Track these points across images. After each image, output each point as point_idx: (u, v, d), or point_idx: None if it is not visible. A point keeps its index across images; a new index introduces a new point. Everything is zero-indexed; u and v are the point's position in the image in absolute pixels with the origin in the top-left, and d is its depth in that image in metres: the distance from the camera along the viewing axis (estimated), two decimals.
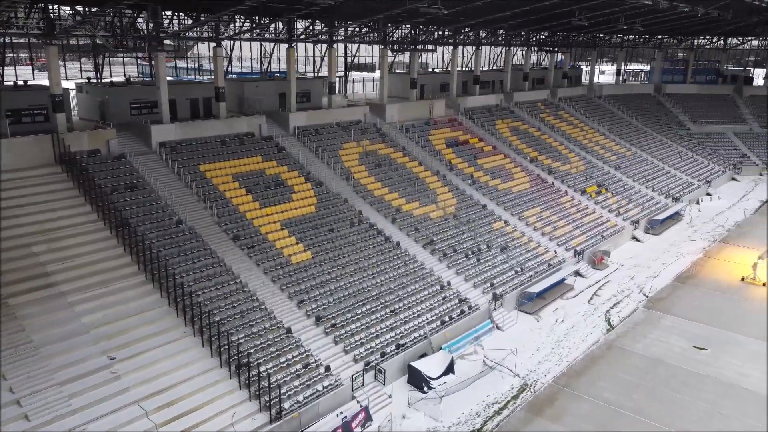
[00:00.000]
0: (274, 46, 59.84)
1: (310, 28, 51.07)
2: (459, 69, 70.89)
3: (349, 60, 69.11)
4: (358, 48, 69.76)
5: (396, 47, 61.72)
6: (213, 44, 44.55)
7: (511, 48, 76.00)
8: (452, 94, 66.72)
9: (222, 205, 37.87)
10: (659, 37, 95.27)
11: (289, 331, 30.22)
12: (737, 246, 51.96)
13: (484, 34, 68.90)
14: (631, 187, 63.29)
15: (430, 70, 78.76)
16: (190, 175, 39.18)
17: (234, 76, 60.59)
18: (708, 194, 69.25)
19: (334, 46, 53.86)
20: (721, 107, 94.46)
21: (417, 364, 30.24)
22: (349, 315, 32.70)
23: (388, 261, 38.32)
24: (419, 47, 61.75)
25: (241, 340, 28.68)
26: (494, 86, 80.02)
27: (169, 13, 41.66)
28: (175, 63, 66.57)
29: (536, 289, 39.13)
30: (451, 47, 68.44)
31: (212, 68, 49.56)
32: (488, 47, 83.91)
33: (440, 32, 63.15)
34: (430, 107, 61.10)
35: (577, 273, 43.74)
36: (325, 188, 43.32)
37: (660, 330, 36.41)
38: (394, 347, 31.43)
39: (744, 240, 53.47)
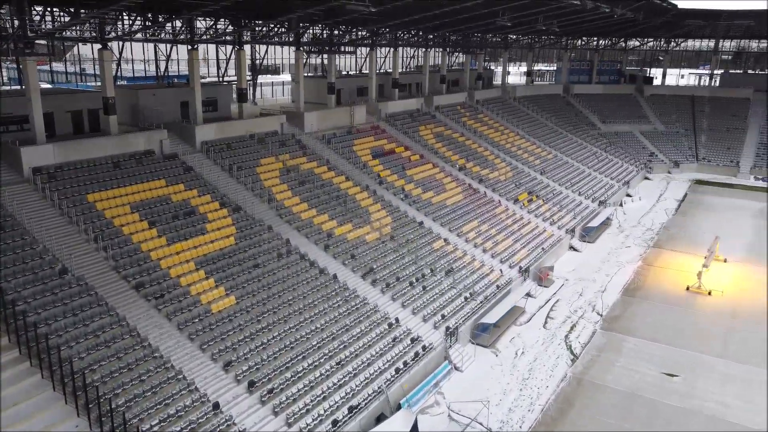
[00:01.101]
0: (171, 48, 52.32)
1: (215, 27, 44.45)
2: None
3: (258, 62, 62.53)
4: (267, 49, 63.38)
5: (311, 49, 56.09)
6: (98, 46, 36.96)
7: (428, 49, 72.48)
8: (372, 99, 62.10)
9: (119, 244, 30.82)
10: (566, 38, 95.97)
11: (216, 406, 24.13)
12: (671, 251, 51.20)
13: (403, 35, 64.86)
14: (559, 192, 61.66)
15: (344, 73, 73.68)
16: (75, 207, 31.72)
17: (125, 82, 52.48)
18: (628, 195, 69.35)
19: (243, 47, 47.49)
20: (626, 107, 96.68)
21: None
22: (288, 374, 27.06)
23: (327, 299, 32.94)
24: (337, 49, 56.54)
25: (156, 429, 22.30)
26: (411, 89, 76.42)
27: (40, 7, 33.81)
28: (51, 66, 57.00)
29: (491, 318, 35.30)
30: (368, 48, 63.89)
31: (98, 73, 41.70)
32: (402, 49, 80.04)
33: (358, 33, 58.29)
34: (351, 114, 56.09)
35: (528, 294, 40.47)
36: (244, 214, 37.15)
37: (625, 356, 33.70)
38: (346, 411, 26.19)
39: (675, 244, 52.92)
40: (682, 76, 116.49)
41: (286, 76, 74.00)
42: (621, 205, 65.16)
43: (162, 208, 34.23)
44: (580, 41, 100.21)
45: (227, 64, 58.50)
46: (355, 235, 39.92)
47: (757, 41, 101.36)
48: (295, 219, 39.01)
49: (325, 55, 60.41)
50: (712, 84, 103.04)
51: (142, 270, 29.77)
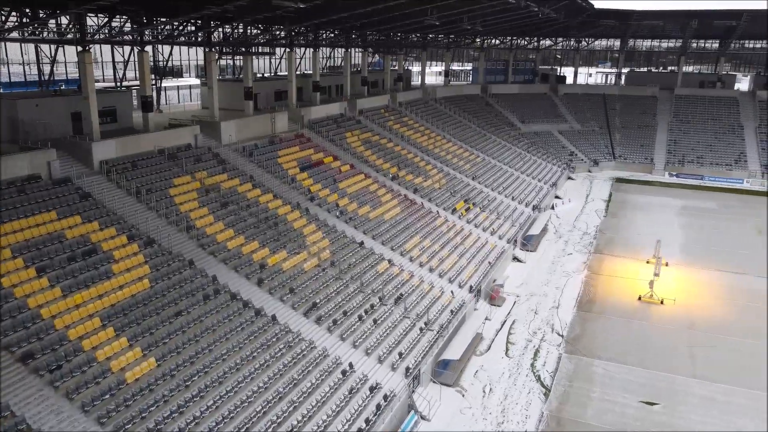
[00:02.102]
0: (57, 48, 44.64)
1: (110, 25, 37.83)
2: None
3: (162, 64, 55.48)
4: (171, 50, 56.46)
5: (224, 49, 50.08)
6: None
7: (348, 50, 68.05)
8: (292, 104, 56.87)
9: None
10: (483, 38, 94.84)
11: None
12: (612, 256, 50.02)
13: (323, 35, 60.08)
14: (493, 198, 59.34)
15: (259, 75, 67.77)
16: None
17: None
18: (558, 197, 68.45)
19: (146, 48, 40.98)
20: (543, 106, 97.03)
21: None
22: None
23: (267, 347, 27.82)
24: (253, 50, 50.91)
25: None
26: (331, 92, 71.77)
27: None
28: None
29: (452, 353, 31.60)
30: (285, 49, 58.71)
31: None
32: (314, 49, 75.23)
33: (275, 32, 52.93)
34: (272, 122, 50.69)
35: (486, 318, 37.17)
36: (159, 248, 31.14)
37: (598, 384, 31.11)
38: None
39: (614, 248, 51.89)
40: (590, 75, 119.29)
41: (192, 80, 67.02)
42: (553, 208, 63.99)
43: (53, 249, 27.63)
44: (496, 41, 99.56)
45: (126, 66, 51.21)
46: (292, 263, 34.88)
47: (665, 41, 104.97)
48: (220, 249, 33.40)
49: (239, 57, 54.72)
50: (620, 83, 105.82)
51: (30, 334, 23.33)
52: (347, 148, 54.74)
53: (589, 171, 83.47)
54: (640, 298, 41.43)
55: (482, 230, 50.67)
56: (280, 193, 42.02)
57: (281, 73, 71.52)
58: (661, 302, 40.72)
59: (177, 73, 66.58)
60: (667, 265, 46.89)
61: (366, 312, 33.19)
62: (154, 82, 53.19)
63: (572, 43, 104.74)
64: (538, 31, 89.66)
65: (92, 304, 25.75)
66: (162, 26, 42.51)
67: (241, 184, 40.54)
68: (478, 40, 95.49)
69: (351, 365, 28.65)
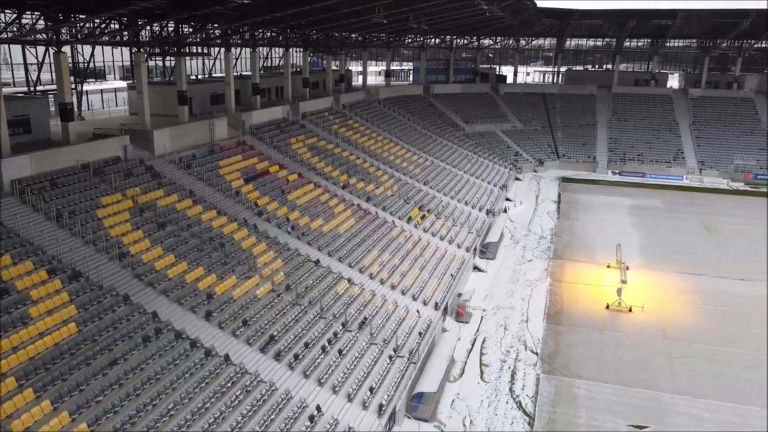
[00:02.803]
0: None
1: (20, 23, 32.78)
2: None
3: (83, 65, 49.88)
4: (93, 50, 50.96)
5: (154, 50, 45.36)
6: None
7: (288, 49, 64.21)
8: (231, 108, 52.60)
9: None
10: (424, 37, 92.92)
11: None
12: (572, 261, 48.76)
13: (262, 34, 56.07)
14: (446, 204, 57.14)
15: (193, 77, 62.87)
16: None
17: None
18: (509, 200, 67.11)
19: (63, 48, 35.99)
20: (485, 106, 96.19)
21: None
22: None
23: (221, 394, 24.08)
24: (187, 50, 46.43)
25: None
26: (270, 94, 67.73)
27: None
28: None
29: (428, 385, 28.73)
30: (221, 49, 54.37)
31: None
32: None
33: (209, 31, 48.63)
34: (210, 129, 46.37)
35: (457, 339, 34.62)
36: (86, 283, 26.71)
37: (582, 407, 29.15)
38: None
39: (573, 253, 50.71)
40: (528, 74, 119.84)
41: (117, 83, 61.39)
42: (505, 211, 62.49)
43: None
44: (437, 40, 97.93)
45: (40, 69, 45.57)
46: (243, 290, 31.10)
47: (599, 40, 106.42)
48: (159, 279, 29.22)
49: (170, 58, 50.02)
50: (559, 82, 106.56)
51: None
52: (293, 156, 51.05)
53: (535, 171, 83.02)
54: (608, 307, 40.06)
55: (440, 239, 48.25)
56: (224, 208, 38.00)
57: (216, 75, 66.90)
58: (629, 310, 39.50)
59: (100, 75, 60.75)
60: (628, 269, 45.93)
61: (329, 341, 29.87)
62: (74, 85, 47.70)
63: (511, 42, 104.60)
64: (479, 30, 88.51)
65: (5, 360, 21.26)
66: (81, 24, 37.61)
67: (179, 200, 36.28)
68: (419, 39, 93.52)
69: (318, 408, 25.30)
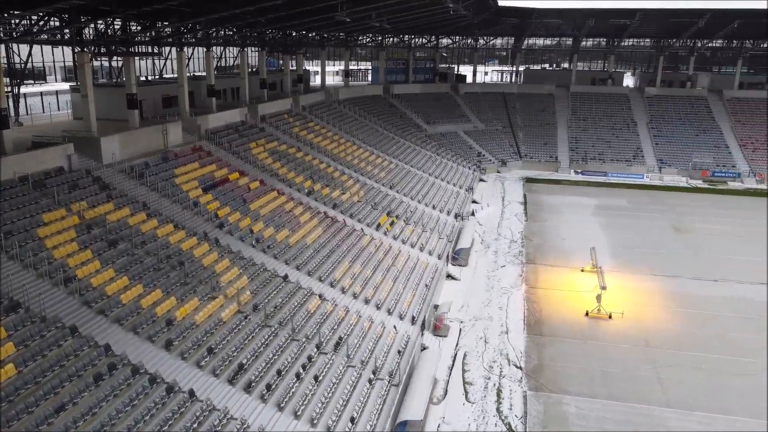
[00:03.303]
0: None
1: None
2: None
3: (20, 66, 45.69)
4: (31, 48, 46.81)
5: (99, 49, 41.81)
6: None
7: (245, 49, 61.15)
8: (185, 111, 49.34)
9: None
10: (382, 36, 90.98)
11: None
12: (546, 266, 47.60)
13: (217, 32, 52.93)
14: (414, 208, 55.30)
15: (143, 79, 59.08)
16: None
17: None
18: (475, 202, 65.78)
19: None
20: (445, 106, 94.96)
21: None
22: None
23: None
24: (135, 49, 43.04)
25: None
26: (226, 96, 64.51)
27: None
28: None
29: (412, 412, 26.61)
30: (174, 48, 51.03)
31: None
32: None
33: (161, 29, 45.34)
34: (164, 134, 43.14)
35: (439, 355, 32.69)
36: (27, 314, 23.51)
37: (574, 426, 27.67)
38: None
39: (545, 256, 49.61)
40: (486, 74, 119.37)
41: (59, 84, 57.05)
42: (473, 214, 61.06)
43: None
44: (395, 39, 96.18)
45: None
46: (206, 313, 28.35)
47: (555, 39, 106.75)
48: (112, 305, 26.20)
49: (118, 58, 46.48)
50: (518, 81, 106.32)
51: None
52: (253, 161, 48.19)
53: (498, 171, 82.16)
54: (587, 314, 38.91)
55: (411, 246, 46.34)
56: (182, 221, 35.03)
57: (168, 76, 63.21)
58: (609, 317, 38.45)
59: (40, 76, 56.22)
60: (602, 272, 45.04)
61: (304, 367, 27.46)
62: (9, 88, 43.57)
63: (469, 41, 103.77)
64: (440, 29, 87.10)
65: None
66: (17, 20, 33.97)
67: (132, 214, 33.13)
68: (378, 38, 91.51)
69: None
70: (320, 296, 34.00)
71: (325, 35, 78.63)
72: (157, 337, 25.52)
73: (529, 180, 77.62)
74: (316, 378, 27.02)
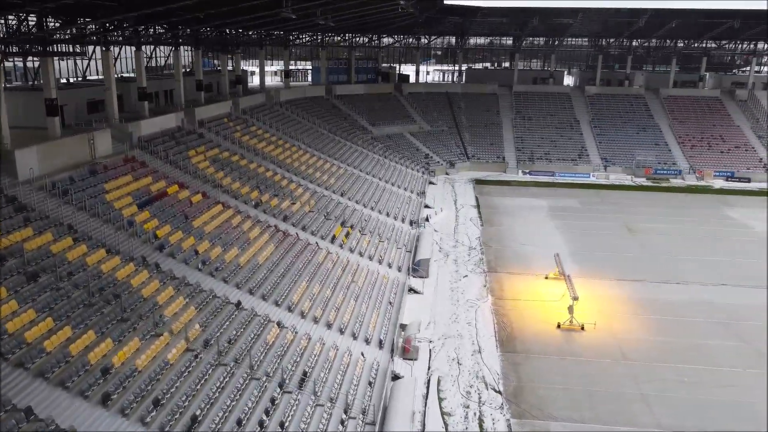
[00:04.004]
0: None
1: None
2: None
3: None
4: None
5: (13, 48, 36.62)
6: None
7: (178, 48, 56.45)
8: (115, 117, 44.50)
9: None
10: (322, 35, 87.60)
11: None
12: (508, 274, 45.84)
13: (148, 30, 48.22)
14: (368, 216, 52.42)
15: (64, 81, 53.38)
16: None
17: None
18: (428, 206, 63.55)
19: None
20: (389, 107, 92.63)
21: None
22: None
23: None
24: (55, 48, 38.05)
25: None
26: (159, 99, 59.52)
27: None
28: None
29: None
30: (99, 47, 46.11)
31: None
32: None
33: (84, 26, 40.47)
34: (90, 144, 38.38)
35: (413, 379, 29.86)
36: None
37: None
38: None
39: (506, 264, 47.84)
40: (428, 73, 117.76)
41: None
42: (427, 220, 58.70)
43: None
44: (337, 38, 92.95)
45: None
46: (149, 356, 24.40)
47: (497, 38, 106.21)
48: (33, 355, 21.90)
49: (33, 58, 41.28)
50: (460, 80, 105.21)
51: None
52: (194, 171, 43.97)
53: (447, 173, 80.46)
54: (559, 326, 37.17)
55: (369, 259, 43.44)
56: (115, 245, 30.71)
57: (93, 78, 57.65)
58: (582, 328, 36.85)
59: None
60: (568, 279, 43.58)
61: (267, 412, 24.02)
62: None
63: (411, 41, 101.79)
64: (383, 27, 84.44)
65: None
66: None
67: (55, 239, 28.62)
68: (318, 37, 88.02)
69: None
70: (279, 324, 30.53)
71: (264, 34, 74.47)
72: (91, 392, 21.46)
73: (478, 182, 76.25)
74: (282, 425, 23.63)
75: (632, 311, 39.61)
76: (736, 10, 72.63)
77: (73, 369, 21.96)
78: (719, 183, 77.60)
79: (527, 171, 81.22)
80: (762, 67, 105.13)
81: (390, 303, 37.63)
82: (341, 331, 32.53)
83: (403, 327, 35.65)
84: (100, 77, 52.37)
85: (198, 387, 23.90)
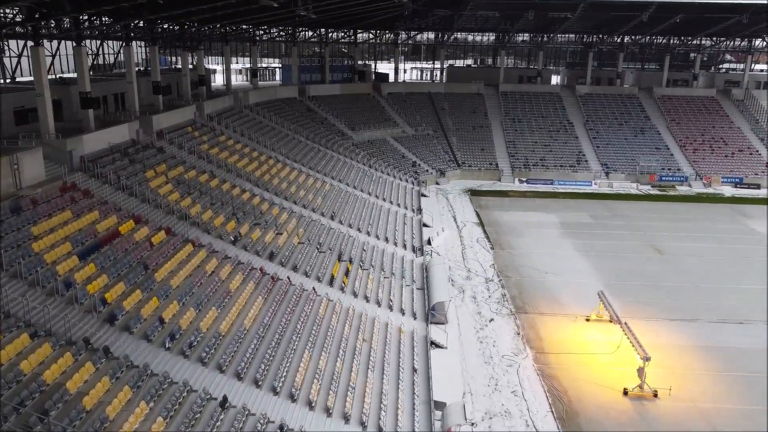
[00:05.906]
0: None
1: None
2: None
3: None
4: None
5: None
6: None
7: (130, 44, 46.81)
8: (48, 131, 34.90)
9: None
10: (294, 30, 78.62)
11: None
12: (541, 315, 38.40)
13: (91, 22, 38.76)
14: (365, 244, 44.13)
15: None
16: None
17: None
18: (426, 225, 55.49)
19: None
20: (368, 109, 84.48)
21: None
22: None
23: None
24: None
25: None
26: (107, 106, 49.72)
27: None
28: None
29: None
30: (28, 42, 36.57)
31: None
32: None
33: (8, 16, 30.85)
34: (13, 169, 28.89)
35: None
36: None
37: None
38: None
39: (535, 301, 40.37)
40: (405, 71, 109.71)
41: None
42: (429, 243, 50.66)
43: None
44: (310, 33, 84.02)
45: None
46: None
47: (479, 34, 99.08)
48: None
49: None
50: (441, 79, 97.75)
51: None
52: (154, 199, 34.80)
53: (437, 183, 72.86)
54: (626, 393, 29.73)
55: (377, 305, 35.16)
56: (43, 323, 21.56)
57: (22, 80, 47.52)
58: (655, 395, 29.52)
59: None
60: (612, 322, 36.30)
61: None
62: None
63: (390, 36, 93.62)
64: (363, 21, 75.89)
65: None
66: None
67: None
68: (289, 31, 78.99)
69: None
70: (281, 428, 21.94)
71: (229, 27, 65.14)
72: None
73: (474, 192, 69.00)
74: None
75: (703, 366, 32.56)
76: (747, 4, 67.00)
77: None
78: (728, 190, 72.21)
79: (524, 179, 74.36)
80: (754, 65, 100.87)
81: (414, 369, 29.46)
82: (363, 425, 24.18)
83: (437, 406, 27.49)
84: (31, 79, 42.45)
85: None
